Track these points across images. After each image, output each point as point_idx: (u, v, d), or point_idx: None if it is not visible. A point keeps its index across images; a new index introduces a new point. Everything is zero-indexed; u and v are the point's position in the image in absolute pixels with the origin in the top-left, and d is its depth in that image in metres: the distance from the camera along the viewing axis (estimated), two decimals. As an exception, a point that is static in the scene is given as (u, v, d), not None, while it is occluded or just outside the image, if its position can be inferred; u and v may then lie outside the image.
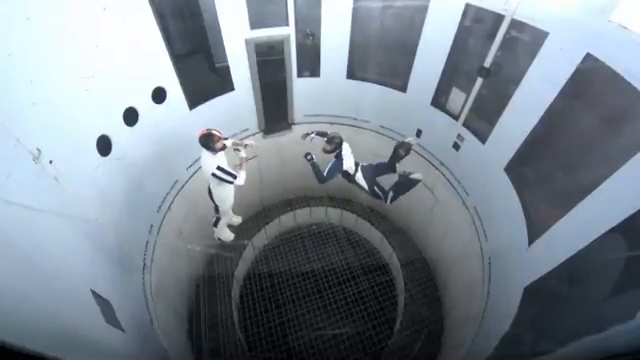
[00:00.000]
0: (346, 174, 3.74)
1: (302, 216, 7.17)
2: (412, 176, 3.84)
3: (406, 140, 3.85)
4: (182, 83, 4.15)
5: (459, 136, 4.52)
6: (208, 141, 3.29)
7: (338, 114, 5.82)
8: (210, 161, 3.38)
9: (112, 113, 3.35)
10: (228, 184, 3.61)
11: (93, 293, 2.57)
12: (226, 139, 3.59)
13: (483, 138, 4.12)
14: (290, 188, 7.01)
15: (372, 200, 7.27)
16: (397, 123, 5.50)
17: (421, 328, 5.36)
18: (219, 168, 3.37)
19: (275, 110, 5.58)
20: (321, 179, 3.49)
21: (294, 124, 5.87)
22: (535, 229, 3.35)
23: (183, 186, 4.77)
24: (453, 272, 5.41)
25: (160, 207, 4.33)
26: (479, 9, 3.74)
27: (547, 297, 3.00)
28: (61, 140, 2.63)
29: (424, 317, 5.52)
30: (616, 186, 2.40)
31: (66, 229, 2.56)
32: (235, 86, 4.90)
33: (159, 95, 3.91)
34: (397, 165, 3.92)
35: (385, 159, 3.98)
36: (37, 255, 2.08)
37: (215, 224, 4.38)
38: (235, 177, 3.49)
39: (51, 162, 2.45)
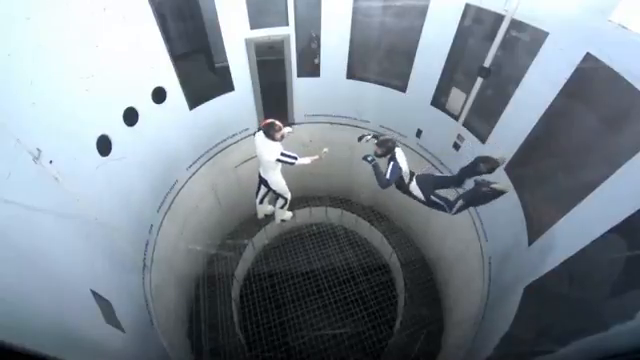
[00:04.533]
0: (399, 183, 3.49)
1: (302, 216, 7.15)
2: (496, 187, 3.12)
3: (494, 157, 3.22)
4: (182, 83, 4.15)
5: (459, 136, 4.52)
6: (269, 129, 3.49)
7: (338, 114, 5.82)
8: (272, 148, 3.58)
9: (112, 113, 3.34)
10: (278, 169, 3.94)
11: (93, 293, 2.57)
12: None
13: (483, 138, 4.12)
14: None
15: (372, 200, 7.31)
16: (397, 123, 5.50)
17: (421, 328, 5.36)
18: (282, 153, 3.59)
19: (275, 110, 5.56)
20: (384, 182, 3.22)
21: (294, 124, 5.86)
22: (535, 229, 3.35)
23: (183, 186, 4.77)
24: (453, 272, 5.40)
25: (160, 207, 4.33)
26: (479, 9, 3.74)
27: (547, 297, 3.00)
28: (61, 140, 2.62)
29: (424, 317, 5.52)
30: (616, 186, 2.40)
31: (66, 229, 2.56)
32: (235, 86, 4.90)
33: (159, 95, 3.91)
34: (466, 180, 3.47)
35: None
36: (37, 255, 2.08)
37: (282, 206, 4.65)
38: (296, 158, 3.65)
39: (51, 162, 2.45)
